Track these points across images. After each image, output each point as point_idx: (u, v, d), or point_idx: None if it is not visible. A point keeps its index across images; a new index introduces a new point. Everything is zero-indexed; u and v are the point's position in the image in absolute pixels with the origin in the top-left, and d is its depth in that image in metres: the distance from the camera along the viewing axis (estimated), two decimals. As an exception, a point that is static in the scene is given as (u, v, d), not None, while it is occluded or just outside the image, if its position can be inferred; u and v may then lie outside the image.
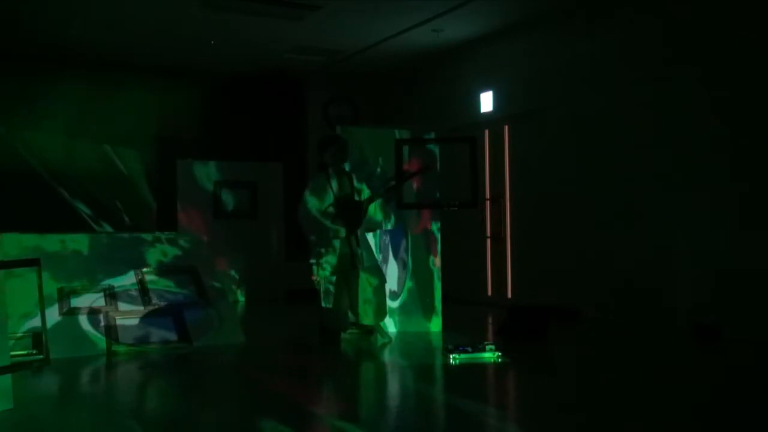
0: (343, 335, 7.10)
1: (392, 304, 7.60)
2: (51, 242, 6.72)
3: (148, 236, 7.52)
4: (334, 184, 6.91)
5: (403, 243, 7.71)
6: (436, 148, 7.85)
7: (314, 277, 6.83)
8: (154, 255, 7.18)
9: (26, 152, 10.37)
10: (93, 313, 6.53)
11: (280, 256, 11.00)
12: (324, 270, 6.79)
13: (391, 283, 7.60)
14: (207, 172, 10.66)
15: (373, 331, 7.27)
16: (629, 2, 8.16)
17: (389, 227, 7.56)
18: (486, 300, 10.13)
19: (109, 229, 10.53)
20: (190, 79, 11.62)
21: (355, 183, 7.06)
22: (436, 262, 7.70)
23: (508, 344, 6.50)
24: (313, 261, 6.88)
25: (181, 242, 7.52)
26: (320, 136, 7.60)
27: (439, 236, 7.76)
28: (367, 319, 6.94)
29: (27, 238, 6.60)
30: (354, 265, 6.83)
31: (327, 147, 7.02)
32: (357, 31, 9.78)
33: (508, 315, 7.30)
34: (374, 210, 7.08)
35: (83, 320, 6.46)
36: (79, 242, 6.90)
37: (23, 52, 10.47)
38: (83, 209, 10.58)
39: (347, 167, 7.22)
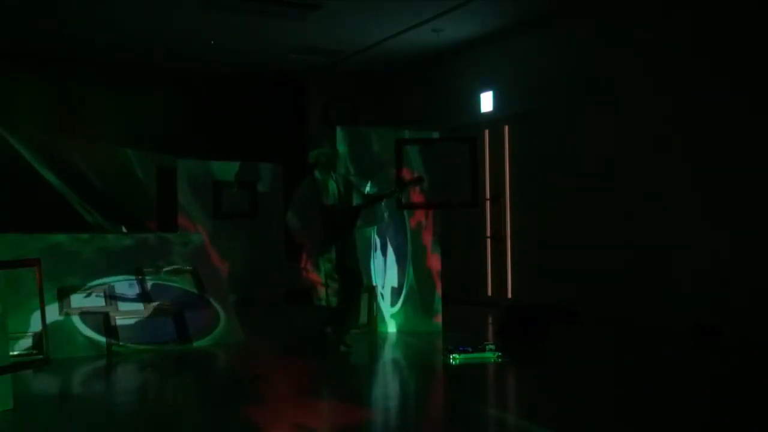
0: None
1: (392, 309, 7.65)
2: (51, 242, 6.71)
3: (148, 236, 7.52)
4: (322, 185, 6.83)
5: (403, 239, 7.71)
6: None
7: (311, 275, 6.80)
8: (154, 255, 7.17)
9: (26, 152, 10.36)
10: (93, 313, 6.53)
11: (280, 256, 10.99)
12: (320, 271, 6.76)
13: (392, 280, 7.62)
14: (207, 172, 10.65)
15: (373, 331, 7.28)
16: (629, 3, 8.16)
17: (386, 221, 7.57)
18: (486, 300, 10.13)
19: (108, 229, 10.52)
20: (190, 79, 11.61)
21: (351, 186, 6.99)
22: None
23: (508, 344, 6.50)
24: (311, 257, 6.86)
25: (181, 242, 7.51)
26: (317, 139, 7.58)
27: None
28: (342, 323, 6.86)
29: (25, 238, 6.60)
30: (339, 269, 6.75)
31: (316, 149, 7.00)
32: (357, 31, 9.78)
33: (508, 315, 7.30)
34: (377, 208, 7.07)
35: (83, 320, 6.46)
36: (79, 242, 6.89)
37: (23, 52, 10.47)
38: (83, 209, 10.56)
39: (342, 170, 7.21)
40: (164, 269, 7.11)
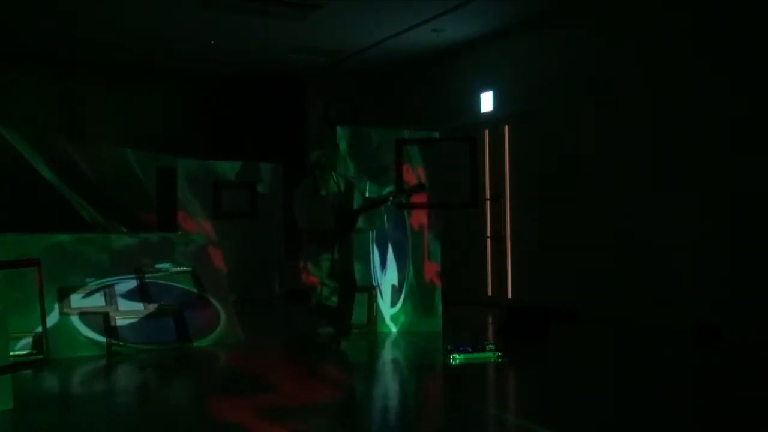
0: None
1: (392, 309, 7.66)
2: (52, 242, 6.71)
3: (149, 236, 7.52)
4: (322, 186, 6.82)
5: (403, 239, 7.70)
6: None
7: (310, 276, 6.80)
8: (154, 255, 7.17)
9: (26, 152, 10.37)
10: (93, 313, 6.53)
11: (280, 256, 11.00)
12: (320, 271, 6.76)
13: (391, 280, 7.63)
14: (207, 172, 10.65)
15: (373, 331, 7.27)
16: (629, 3, 8.16)
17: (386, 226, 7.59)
18: (486, 300, 10.13)
19: (108, 228, 10.51)
20: (190, 79, 11.62)
21: (352, 187, 6.98)
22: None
23: (508, 344, 6.50)
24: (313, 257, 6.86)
25: (182, 242, 7.51)
26: (318, 139, 7.58)
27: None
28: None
29: (26, 238, 6.60)
30: (334, 271, 6.74)
31: (316, 149, 7.00)
32: (357, 31, 9.78)
33: (508, 315, 7.30)
34: (376, 212, 7.08)
35: (84, 320, 6.46)
36: (80, 242, 6.89)
37: (23, 52, 10.47)
38: (83, 209, 10.56)
39: (342, 170, 7.21)
40: (164, 269, 7.11)
